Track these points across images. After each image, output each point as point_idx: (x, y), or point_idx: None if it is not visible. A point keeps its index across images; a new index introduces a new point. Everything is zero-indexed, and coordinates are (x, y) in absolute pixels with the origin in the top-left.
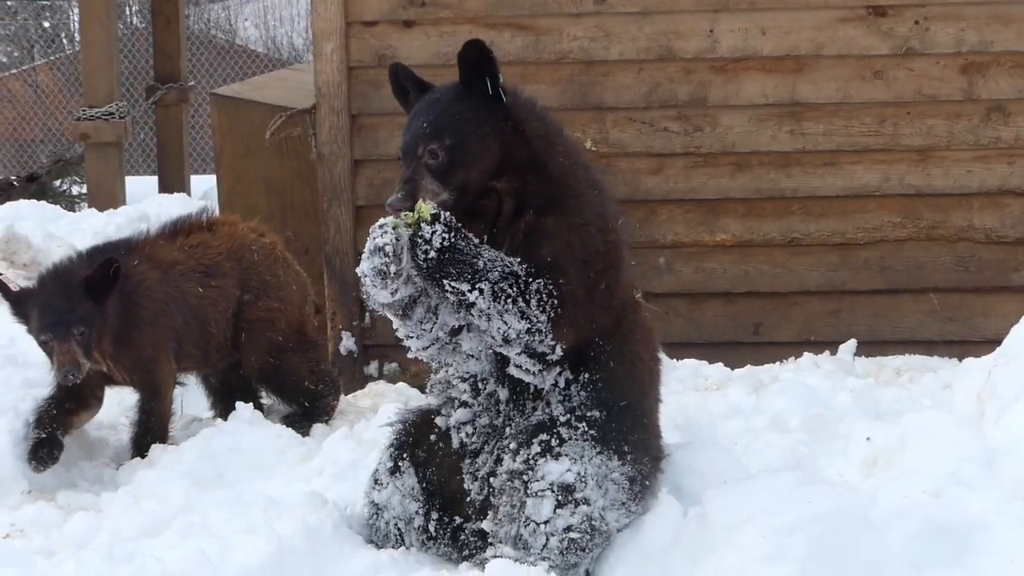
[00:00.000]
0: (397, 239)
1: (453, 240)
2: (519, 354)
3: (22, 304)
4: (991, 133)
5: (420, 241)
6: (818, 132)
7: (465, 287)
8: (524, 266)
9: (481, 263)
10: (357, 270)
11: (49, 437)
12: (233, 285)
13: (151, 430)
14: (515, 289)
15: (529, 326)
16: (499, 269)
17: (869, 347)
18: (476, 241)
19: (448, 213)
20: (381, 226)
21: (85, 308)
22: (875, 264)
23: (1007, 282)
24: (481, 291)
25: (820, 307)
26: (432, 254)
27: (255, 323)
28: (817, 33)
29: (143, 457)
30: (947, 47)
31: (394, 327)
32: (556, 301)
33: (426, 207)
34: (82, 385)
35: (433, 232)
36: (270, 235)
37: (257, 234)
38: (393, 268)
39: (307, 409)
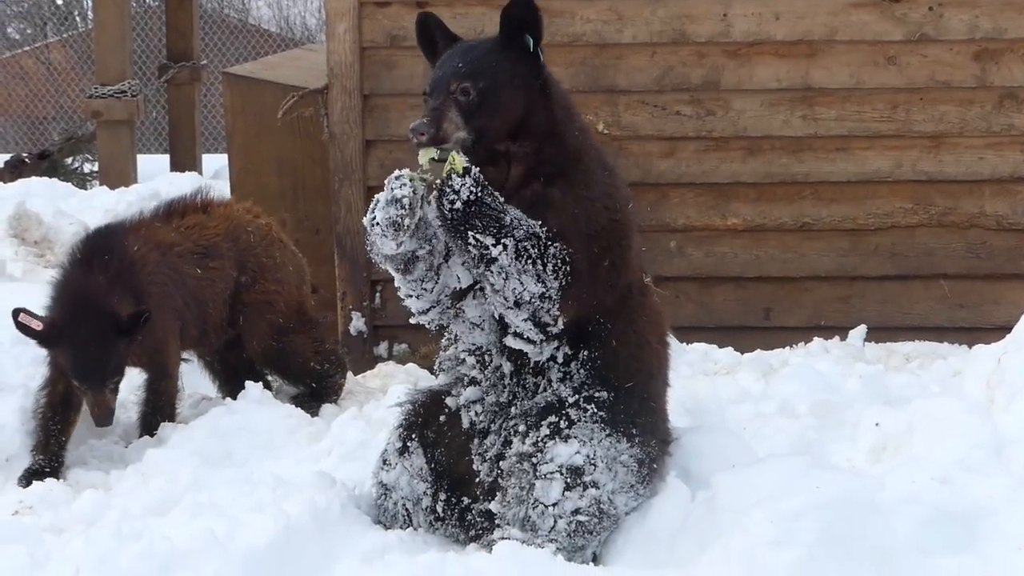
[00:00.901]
0: (415, 191)
1: (481, 195)
2: (525, 320)
3: (51, 342)
4: (1004, 120)
5: (448, 191)
6: (830, 117)
7: (490, 241)
8: (544, 229)
9: (508, 219)
10: (365, 220)
11: (50, 469)
12: (231, 266)
13: (160, 409)
14: (536, 251)
15: (543, 290)
16: (524, 228)
17: (879, 333)
18: (502, 199)
19: (478, 169)
20: (398, 177)
21: (119, 356)
22: (886, 250)
23: (1018, 269)
24: (505, 247)
25: (830, 292)
26: (458, 205)
27: (254, 306)
28: (831, 18)
29: (152, 435)
30: (961, 33)
31: (396, 285)
32: (568, 269)
33: (459, 159)
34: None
35: (463, 184)
36: (265, 216)
37: (252, 215)
38: (407, 221)
39: (314, 389)
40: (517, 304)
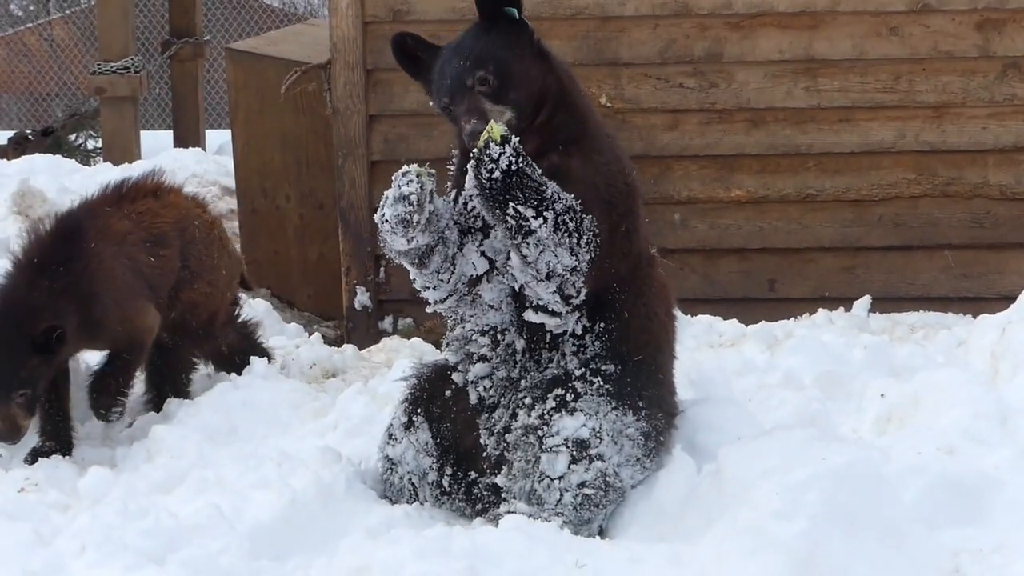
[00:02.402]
0: (422, 188)
1: (521, 164)
2: (552, 292)
3: None
4: (1006, 90)
5: (486, 160)
6: (833, 88)
7: (530, 213)
8: (578, 202)
9: (548, 192)
10: (376, 216)
11: (57, 447)
12: (176, 256)
13: (119, 372)
14: (573, 224)
15: (575, 263)
16: (563, 201)
17: (883, 303)
18: (540, 170)
19: (517, 138)
20: (405, 173)
21: (30, 368)
22: (890, 221)
23: (1022, 239)
24: (545, 219)
25: (835, 263)
26: (497, 174)
27: (187, 304)
28: None
29: (100, 394)
30: (963, 4)
31: (411, 278)
32: (598, 241)
33: (497, 128)
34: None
35: (501, 153)
36: (210, 211)
37: (200, 209)
38: (416, 217)
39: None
40: (548, 277)
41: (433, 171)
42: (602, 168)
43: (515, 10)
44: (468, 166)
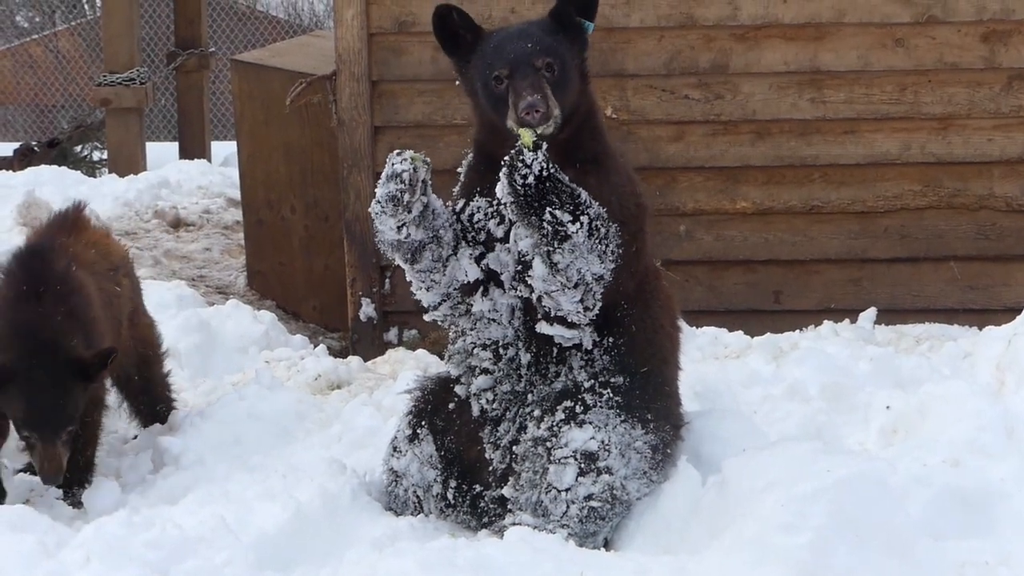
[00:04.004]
0: (415, 169)
1: (553, 171)
2: (576, 302)
3: (7, 386)
4: (1012, 101)
5: (520, 166)
6: (839, 100)
7: (567, 217)
8: (604, 210)
9: (583, 197)
10: (370, 208)
11: None
12: (129, 286)
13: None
14: (604, 229)
15: (603, 271)
16: (595, 207)
17: (889, 315)
18: (567, 177)
19: (546, 146)
20: (399, 153)
21: (76, 400)
22: (895, 232)
23: None
24: (582, 224)
25: (840, 275)
26: (531, 180)
27: (136, 337)
28: (838, 1)
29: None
30: (968, 15)
31: (408, 280)
32: (620, 252)
33: (528, 135)
34: None
35: (534, 159)
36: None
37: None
38: (407, 197)
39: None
40: (576, 285)
41: (429, 160)
42: (617, 188)
43: (591, 25)
44: (501, 173)
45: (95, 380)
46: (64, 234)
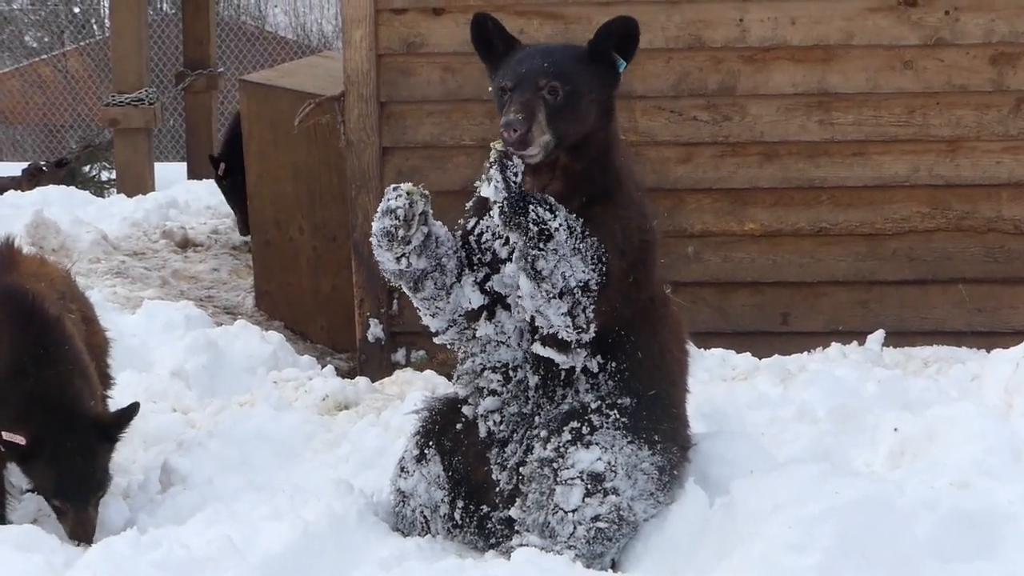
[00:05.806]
0: (411, 204)
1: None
2: (563, 314)
3: (35, 459)
4: (1021, 124)
5: (511, 164)
6: (847, 122)
7: (547, 215)
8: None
9: (551, 200)
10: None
11: None
12: (78, 311)
13: None
14: (579, 229)
15: (586, 278)
16: (564, 210)
17: (897, 338)
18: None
19: (523, 165)
20: (395, 188)
21: (104, 464)
22: (903, 255)
23: None
24: (561, 223)
25: (848, 297)
26: (519, 179)
27: (92, 354)
28: (847, 23)
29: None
30: (977, 37)
31: (416, 306)
32: (604, 268)
33: (495, 148)
34: None
35: (517, 165)
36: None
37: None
38: (401, 233)
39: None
40: (561, 294)
41: (427, 192)
42: (622, 219)
43: (625, 63)
44: (492, 171)
45: (118, 440)
46: (4, 271)
